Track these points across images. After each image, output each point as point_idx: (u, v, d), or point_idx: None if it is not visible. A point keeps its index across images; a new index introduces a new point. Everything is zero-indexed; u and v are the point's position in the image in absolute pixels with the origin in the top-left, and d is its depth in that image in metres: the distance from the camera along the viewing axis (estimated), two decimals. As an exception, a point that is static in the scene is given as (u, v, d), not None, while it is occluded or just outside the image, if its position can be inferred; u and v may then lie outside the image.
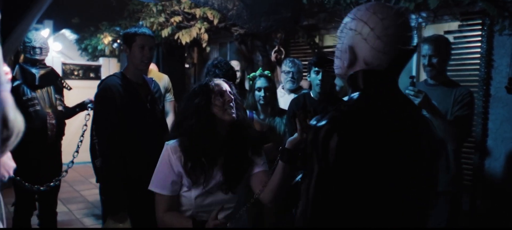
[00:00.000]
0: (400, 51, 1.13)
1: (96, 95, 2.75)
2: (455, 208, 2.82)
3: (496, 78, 3.40)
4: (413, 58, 4.24)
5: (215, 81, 1.95)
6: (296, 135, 1.78)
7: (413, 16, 4.06)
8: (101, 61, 8.06)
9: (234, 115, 1.90)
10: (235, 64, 4.02)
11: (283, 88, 3.84)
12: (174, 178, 1.88)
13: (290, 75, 3.72)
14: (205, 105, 1.88)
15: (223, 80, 1.99)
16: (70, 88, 3.78)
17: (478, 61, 3.48)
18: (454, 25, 3.77)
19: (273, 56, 4.67)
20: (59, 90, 3.61)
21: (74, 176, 6.55)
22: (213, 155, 1.89)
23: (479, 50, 3.49)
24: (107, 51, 7.32)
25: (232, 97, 1.92)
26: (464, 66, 3.67)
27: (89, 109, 3.39)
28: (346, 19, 1.21)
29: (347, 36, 1.17)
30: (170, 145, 1.92)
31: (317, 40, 5.08)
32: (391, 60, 1.13)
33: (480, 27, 3.48)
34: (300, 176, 3.06)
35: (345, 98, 1.20)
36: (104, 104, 2.66)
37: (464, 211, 3.48)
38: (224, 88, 1.93)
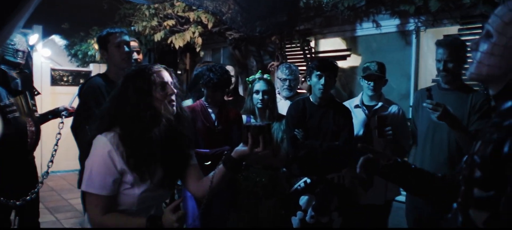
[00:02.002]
0: None
1: (82, 94, 2.72)
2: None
3: (497, 83, 3.32)
4: (411, 62, 4.16)
5: (155, 69, 1.80)
6: (241, 146, 1.71)
7: (412, 20, 4.00)
8: (91, 67, 7.90)
9: (175, 109, 1.79)
10: (230, 69, 3.91)
11: (279, 94, 3.73)
12: (116, 176, 1.71)
13: (287, 82, 3.61)
14: (147, 94, 1.73)
15: (164, 68, 1.84)
16: (39, 94, 3.60)
17: (479, 65, 3.40)
18: (453, 29, 3.71)
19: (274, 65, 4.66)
20: (33, 96, 3.41)
21: (62, 184, 6.38)
22: (156, 148, 1.77)
23: (479, 54, 3.41)
24: (97, 57, 7.16)
25: (175, 91, 1.80)
26: (464, 71, 3.59)
27: (63, 117, 3.24)
28: None
29: None
30: (109, 139, 1.71)
31: (312, 44, 5.01)
32: None
33: (481, 31, 3.41)
34: (298, 183, 2.96)
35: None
36: (91, 100, 2.64)
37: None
38: (165, 80, 1.78)
